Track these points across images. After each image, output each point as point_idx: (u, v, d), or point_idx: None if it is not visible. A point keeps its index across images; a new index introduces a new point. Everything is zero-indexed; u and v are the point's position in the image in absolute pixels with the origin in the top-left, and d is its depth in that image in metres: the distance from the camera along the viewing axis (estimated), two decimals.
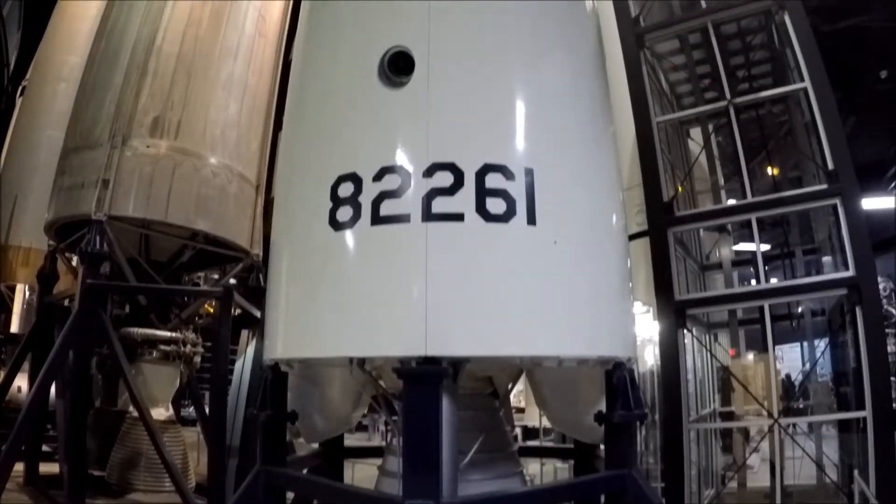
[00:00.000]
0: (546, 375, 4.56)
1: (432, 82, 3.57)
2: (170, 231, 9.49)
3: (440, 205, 3.39)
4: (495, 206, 3.43)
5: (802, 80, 9.22)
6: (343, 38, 4.06)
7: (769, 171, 13.93)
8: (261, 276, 10.31)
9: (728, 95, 9.22)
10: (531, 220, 3.49)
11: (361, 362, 3.74)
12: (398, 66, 3.64)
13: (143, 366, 9.78)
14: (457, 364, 3.31)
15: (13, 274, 13.88)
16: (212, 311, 11.25)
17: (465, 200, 3.40)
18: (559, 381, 4.51)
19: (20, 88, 18.75)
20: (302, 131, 4.19)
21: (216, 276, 13.89)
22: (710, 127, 11.83)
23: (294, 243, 3.97)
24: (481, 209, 3.40)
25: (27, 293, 14.02)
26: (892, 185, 25.21)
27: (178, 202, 9.05)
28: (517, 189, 3.49)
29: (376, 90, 3.66)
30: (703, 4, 9.64)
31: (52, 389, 9.26)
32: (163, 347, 9.84)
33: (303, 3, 4.95)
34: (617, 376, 3.83)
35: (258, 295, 10.26)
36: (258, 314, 10.06)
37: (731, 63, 10.44)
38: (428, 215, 3.37)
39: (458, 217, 3.38)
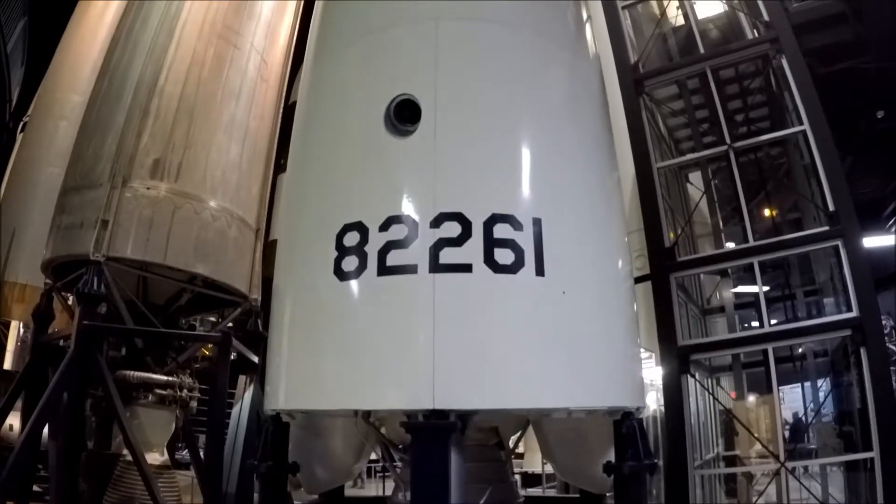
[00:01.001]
0: (553, 426, 4.48)
1: (439, 131, 3.56)
2: (168, 274, 9.40)
3: (448, 255, 3.35)
4: (504, 256, 3.39)
5: (801, 122, 9.28)
6: (349, 85, 4.06)
7: (767, 212, 13.95)
8: (259, 321, 10.20)
9: (728, 140, 9.26)
10: (539, 270, 3.45)
11: (366, 414, 3.66)
12: (405, 115, 3.63)
13: (139, 409, 9.58)
14: (465, 417, 3.24)
15: (8, 310, 13.74)
16: (209, 354, 11.11)
17: (473, 251, 3.36)
18: (566, 431, 4.43)
19: (21, 124, 18.89)
20: (307, 177, 4.17)
21: (213, 319, 13.76)
22: (710, 172, 11.88)
23: (298, 291, 3.91)
24: (489, 260, 3.36)
25: (21, 330, 13.87)
26: (891, 222, 25.27)
27: (178, 245, 8.97)
28: (525, 239, 3.46)
29: (382, 138, 3.65)
30: (702, 50, 9.76)
31: (45, 430, 9.10)
32: (158, 391, 9.66)
33: (307, 48, 4.97)
34: (626, 426, 3.76)
35: (256, 340, 10.16)
36: (256, 359, 9.94)
37: (730, 107, 10.52)
38: (435, 266, 3.33)
39: (466, 268, 3.34)
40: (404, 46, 3.88)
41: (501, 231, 3.42)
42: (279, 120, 10.93)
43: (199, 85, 9.57)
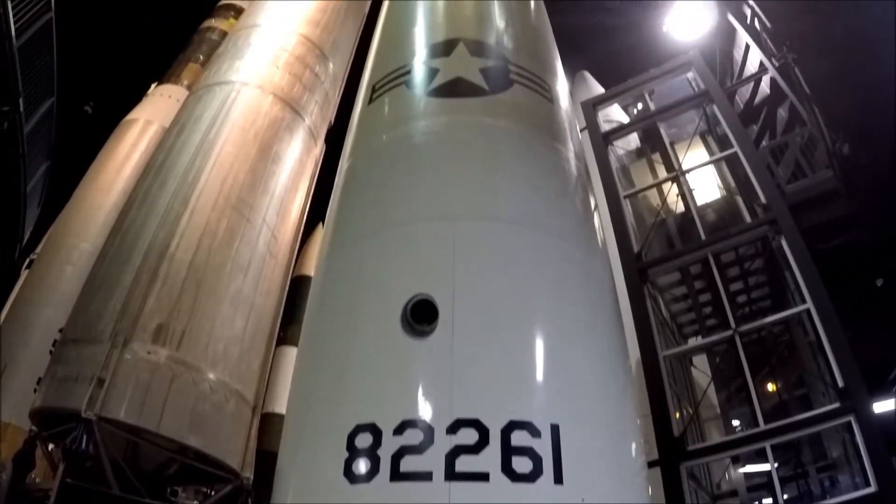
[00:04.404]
0: None
1: (457, 333, 3.53)
2: (160, 442, 9.09)
3: (464, 463, 3.21)
4: (521, 465, 3.26)
5: (803, 300, 9.37)
6: (366, 279, 4.09)
7: (771, 387, 13.76)
8: (250, 500, 9.75)
9: (732, 324, 9.33)
10: (558, 478, 3.30)
11: None
12: (421, 315, 3.61)
13: None
14: None
15: None
16: None
17: (490, 459, 3.23)
18: None
19: (27, 261, 19.04)
20: (319, 367, 4.08)
21: (204, 490, 13.15)
22: (715, 354, 11.86)
23: (304, 492, 3.71)
24: (507, 468, 3.22)
25: None
26: None
27: (173, 414, 8.75)
28: (543, 447, 3.34)
29: (398, 337, 3.62)
30: (702, 236, 10.05)
31: None
32: None
33: (324, 233, 5.08)
34: None
35: None
36: None
37: (732, 288, 10.68)
38: (451, 474, 3.18)
39: (483, 477, 3.19)
40: (423, 245, 3.95)
41: (519, 438, 3.30)
42: (285, 296, 11.03)
43: (209, 255, 9.73)
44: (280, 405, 16.95)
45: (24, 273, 17.77)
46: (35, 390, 11.30)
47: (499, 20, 6.30)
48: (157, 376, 8.87)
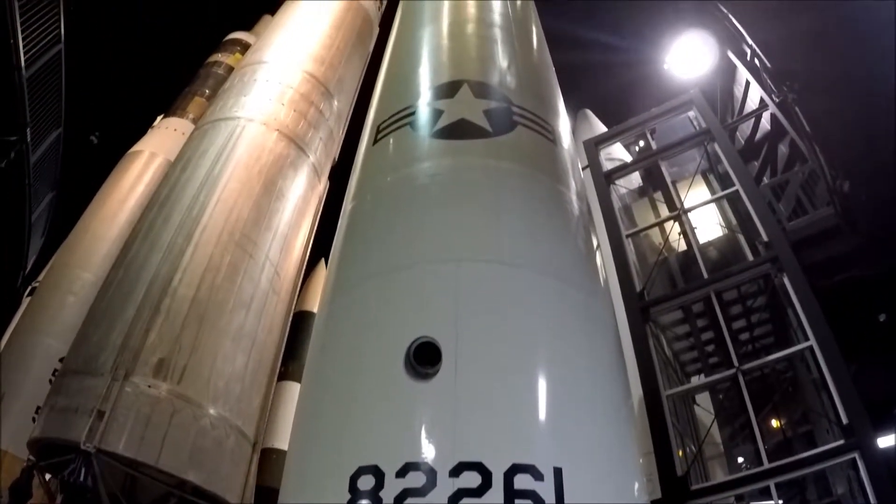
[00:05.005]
0: None
1: (460, 376, 3.54)
2: (158, 476, 9.02)
3: None
4: None
5: (806, 338, 9.35)
6: (369, 321, 4.10)
7: (775, 423, 13.65)
8: None
9: (735, 363, 9.30)
10: None
11: None
12: (424, 357, 3.63)
13: None
14: None
15: None
16: None
17: (493, 503, 3.22)
18: None
19: (29, 288, 19.03)
20: (322, 410, 4.08)
21: None
22: (719, 392, 11.81)
23: None
24: None
25: None
26: None
27: (172, 449, 8.68)
28: (546, 490, 3.33)
29: (401, 379, 3.62)
30: (705, 274, 10.07)
31: None
32: None
33: (328, 273, 5.11)
34: None
35: None
36: None
37: (734, 326, 10.67)
38: None
39: None
40: (426, 287, 3.98)
41: (522, 482, 3.29)
42: (286, 333, 11.02)
43: (212, 290, 9.73)
44: (280, 440, 16.84)
45: (26, 300, 17.77)
46: (34, 419, 11.28)
47: (502, 61, 6.41)
48: (158, 410, 8.82)
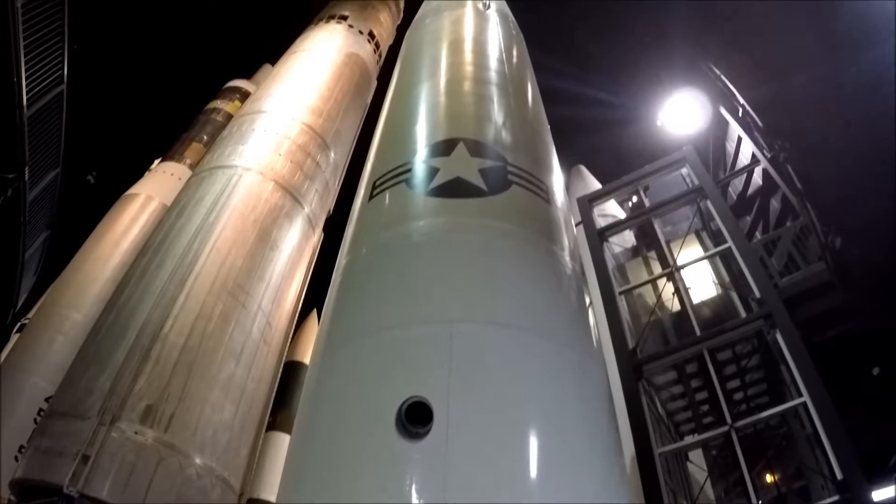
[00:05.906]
0: None
1: (451, 436, 3.52)
2: None
3: None
4: None
5: (799, 394, 9.31)
6: (361, 379, 4.09)
7: (769, 478, 13.51)
8: None
9: (729, 421, 9.25)
10: None
11: None
12: (416, 417, 3.60)
13: None
14: None
15: None
16: None
17: None
18: None
19: (18, 324, 18.81)
20: (311, 468, 4.02)
21: None
22: (713, 452, 11.71)
23: None
24: None
25: None
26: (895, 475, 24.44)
27: (157, 497, 8.51)
28: None
29: (393, 439, 3.59)
30: (698, 332, 10.06)
31: None
32: None
33: (320, 329, 5.09)
34: None
35: None
36: None
37: (728, 386, 10.63)
38: None
39: None
40: (419, 347, 3.97)
41: None
42: (276, 384, 10.93)
43: (202, 339, 9.67)
44: (266, 491, 16.54)
45: (15, 337, 17.57)
46: (16, 458, 11.07)
47: (498, 119, 6.51)
48: (144, 457, 8.69)
